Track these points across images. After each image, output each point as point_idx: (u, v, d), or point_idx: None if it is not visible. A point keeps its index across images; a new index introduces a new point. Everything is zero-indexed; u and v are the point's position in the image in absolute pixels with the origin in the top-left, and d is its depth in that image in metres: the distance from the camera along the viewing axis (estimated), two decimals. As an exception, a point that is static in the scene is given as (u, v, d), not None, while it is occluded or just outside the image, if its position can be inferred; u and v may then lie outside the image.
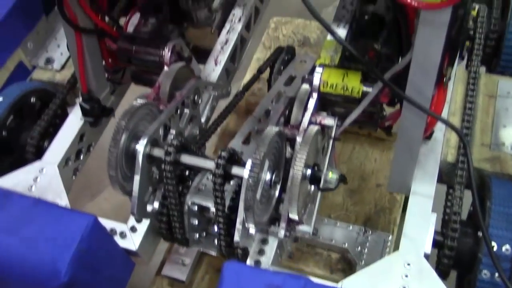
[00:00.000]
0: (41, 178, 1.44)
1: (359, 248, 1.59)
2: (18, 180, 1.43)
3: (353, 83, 1.27)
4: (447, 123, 1.12)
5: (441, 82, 1.18)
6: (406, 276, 1.16)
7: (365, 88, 1.25)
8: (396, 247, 1.59)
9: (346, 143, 1.90)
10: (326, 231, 1.65)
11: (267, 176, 1.16)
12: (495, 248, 1.17)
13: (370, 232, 1.62)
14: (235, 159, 1.20)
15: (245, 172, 1.11)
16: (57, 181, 1.44)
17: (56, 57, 1.85)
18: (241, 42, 1.75)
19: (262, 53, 2.18)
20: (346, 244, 1.61)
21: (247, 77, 2.05)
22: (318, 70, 1.30)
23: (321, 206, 1.30)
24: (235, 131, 2.01)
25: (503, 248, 1.20)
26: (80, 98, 1.52)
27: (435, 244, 1.27)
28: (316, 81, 1.29)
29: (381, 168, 1.84)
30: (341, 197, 1.77)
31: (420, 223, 1.26)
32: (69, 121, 1.57)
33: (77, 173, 1.59)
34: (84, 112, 1.53)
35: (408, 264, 1.18)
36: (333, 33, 1.04)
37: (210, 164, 1.20)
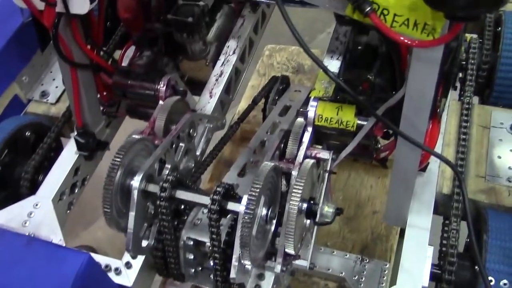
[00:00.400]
0: (35, 213, 1.43)
1: (357, 277, 1.58)
2: (13, 215, 1.42)
3: (347, 117, 1.27)
4: (441, 158, 1.12)
5: (435, 115, 1.19)
6: (405, 311, 1.15)
7: (359, 122, 1.26)
8: (394, 275, 1.60)
9: (341, 170, 1.90)
10: (322, 260, 1.64)
11: (263, 211, 1.15)
12: (492, 283, 1.16)
13: (367, 260, 1.61)
14: (231, 194, 1.20)
15: (240, 208, 1.10)
16: (51, 216, 1.43)
17: (51, 90, 1.85)
18: (236, 74, 1.76)
19: (257, 80, 2.19)
20: (343, 273, 1.60)
21: (242, 104, 2.06)
22: (313, 104, 1.30)
23: (317, 234, 1.29)
24: (230, 159, 2.02)
25: (501, 283, 1.19)
26: (75, 132, 1.52)
27: (433, 277, 1.27)
28: (311, 114, 1.30)
29: (377, 194, 1.84)
30: (338, 224, 1.76)
31: (417, 257, 1.26)
32: (64, 155, 1.57)
33: (71, 207, 1.58)
34: (79, 146, 1.52)
35: (406, 299, 1.17)
36: (326, 70, 1.04)
37: (205, 200, 1.19)
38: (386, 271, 1.59)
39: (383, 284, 1.55)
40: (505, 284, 1.19)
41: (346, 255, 1.63)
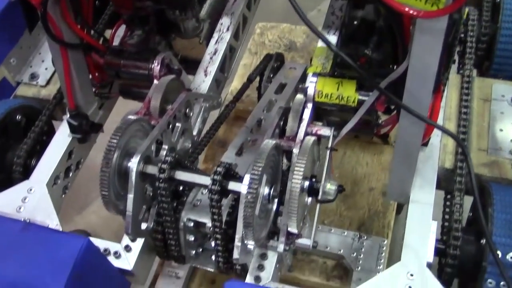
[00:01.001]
0: (30, 198, 1.39)
1: (355, 254, 1.57)
2: (6, 200, 1.39)
3: (348, 92, 1.25)
4: (446, 131, 1.10)
5: (438, 88, 1.16)
6: (410, 287, 1.14)
7: (360, 97, 1.23)
8: (391, 252, 1.60)
9: (337, 147, 1.88)
10: (320, 238, 1.62)
11: (265, 190, 1.13)
12: (499, 256, 1.15)
13: (365, 237, 1.60)
14: (231, 173, 1.18)
15: (242, 187, 1.08)
16: (46, 201, 1.39)
17: (41, 72, 1.80)
18: (230, 51, 1.72)
19: (249, 59, 2.15)
20: (342, 251, 1.59)
21: (235, 83, 2.02)
22: (312, 79, 1.27)
23: (320, 212, 1.27)
24: (224, 139, 1.99)
25: (508, 256, 1.18)
26: (68, 115, 1.48)
27: (437, 252, 1.26)
28: (310, 91, 1.27)
29: (373, 171, 1.83)
30: (334, 202, 1.73)
31: (421, 232, 1.24)
32: (57, 138, 1.53)
33: (66, 192, 1.55)
34: (72, 129, 1.49)
35: (411, 275, 1.16)
36: (328, 43, 1.02)
37: (205, 180, 1.17)
38: (384, 247, 1.58)
39: (382, 261, 1.55)
40: (511, 257, 1.18)
41: (344, 232, 1.62)
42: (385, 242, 1.60)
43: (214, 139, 1.97)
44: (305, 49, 2.17)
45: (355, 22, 1.33)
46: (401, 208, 1.81)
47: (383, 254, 1.56)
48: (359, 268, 1.52)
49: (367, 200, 1.75)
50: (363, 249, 1.58)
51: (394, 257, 1.55)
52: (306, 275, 1.56)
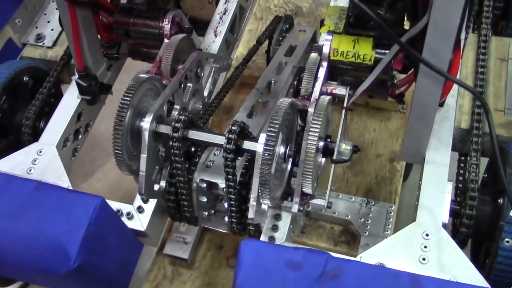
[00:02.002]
0: (40, 160, 1.37)
1: (362, 219, 1.58)
2: (16, 162, 1.37)
3: (364, 50, 1.22)
4: (467, 87, 1.07)
5: (458, 45, 1.13)
6: (425, 247, 1.14)
7: (377, 55, 1.21)
8: (398, 217, 1.59)
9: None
10: (328, 203, 1.63)
11: (281, 149, 1.12)
12: (516, 215, 1.14)
13: (373, 202, 1.60)
14: (246, 133, 1.16)
15: (258, 146, 1.06)
16: (57, 162, 1.38)
17: (47, 33, 1.77)
18: (240, 11, 1.68)
19: (254, 25, 2.12)
20: (349, 216, 1.59)
21: (240, 49, 1.99)
22: (328, 37, 1.24)
23: (321, 178, 1.26)
24: (230, 105, 1.97)
25: (525, 215, 1.18)
26: (76, 76, 1.45)
27: (452, 213, 1.25)
28: (326, 49, 1.24)
29: (380, 138, 1.82)
30: (341, 168, 1.74)
31: (437, 193, 1.23)
32: (65, 100, 1.50)
33: (75, 154, 1.53)
34: (81, 90, 1.46)
35: (427, 235, 1.15)
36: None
37: (220, 139, 1.15)
38: (392, 213, 1.59)
39: (389, 226, 1.55)
40: (529, 216, 1.17)
41: (352, 198, 1.62)
42: (393, 208, 1.60)
43: (220, 105, 1.95)
44: (311, 14, 2.13)
45: (369, -19, 1.29)
46: (408, 175, 1.80)
47: (391, 220, 1.57)
48: (367, 233, 1.53)
49: (374, 166, 1.74)
50: (370, 215, 1.58)
51: (401, 223, 1.55)
52: (313, 240, 1.57)
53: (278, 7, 2.19)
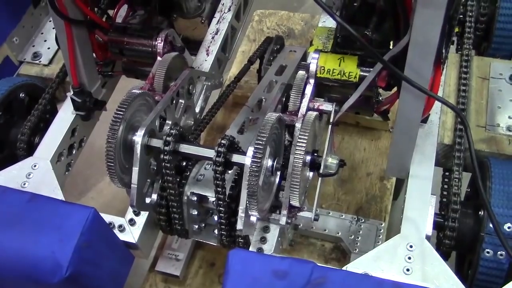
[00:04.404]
0: (34, 174, 1.41)
1: (352, 236, 1.60)
2: (11, 176, 1.40)
3: (350, 68, 1.27)
4: (446, 103, 1.12)
5: (438, 63, 1.18)
6: (409, 258, 1.17)
7: (362, 73, 1.25)
8: (388, 235, 1.62)
9: (335, 134, 1.88)
10: (319, 221, 1.63)
11: (268, 162, 1.15)
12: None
13: (363, 220, 1.62)
14: (235, 147, 1.19)
15: (247, 159, 1.10)
16: (51, 176, 1.41)
17: (44, 51, 1.82)
18: (232, 31, 1.73)
19: (247, 46, 2.17)
20: (340, 233, 1.61)
21: (233, 70, 2.04)
22: (314, 55, 1.29)
23: (318, 201, 1.29)
24: (223, 124, 2.01)
25: (505, 226, 1.21)
26: (71, 92, 1.49)
27: (436, 226, 1.28)
28: (313, 66, 1.28)
29: (371, 157, 1.85)
30: (332, 187, 1.77)
31: (420, 206, 1.26)
32: (60, 116, 1.54)
33: (69, 169, 1.56)
34: (76, 106, 1.50)
35: (411, 246, 1.18)
36: (334, 17, 1.03)
37: (210, 153, 1.18)
38: (382, 230, 1.61)
39: (379, 243, 1.57)
40: (509, 227, 1.21)
41: (342, 215, 1.65)
42: (382, 225, 1.62)
43: (213, 124, 1.99)
44: (303, 36, 2.19)
45: (355, 4, 1.34)
46: (398, 193, 1.84)
47: (381, 237, 1.59)
48: (357, 250, 1.55)
49: (365, 185, 1.77)
50: (360, 232, 1.60)
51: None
52: (304, 257, 1.59)
53: (271, 29, 2.25)
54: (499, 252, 1.21)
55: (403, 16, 1.16)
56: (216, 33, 1.67)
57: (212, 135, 1.92)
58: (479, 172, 1.10)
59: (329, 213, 1.66)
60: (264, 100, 1.59)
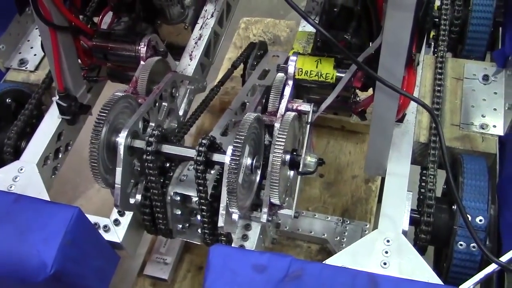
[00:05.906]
0: (20, 177, 1.43)
1: (338, 237, 1.63)
2: (-3, 179, 1.42)
3: (327, 69, 1.31)
4: (418, 101, 1.16)
5: (410, 64, 1.23)
6: (386, 252, 1.20)
7: (338, 74, 1.29)
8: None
9: (321, 138, 1.95)
10: (305, 223, 1.68)
11: (248, 161, 1.19)
12: (469, 219, 1.21)
13: (348, 222, 1.66)
14: (216, 146, 1.23)
15: (226, 158, 1.13)
16: (37, 180, 1.43)
17: (30, 58, 1.85)
18: (215, 37, 1.77)
19: (234, 53, 2.21)
20: (326, 235, 1.65)
21: (219, 77, 2.07)
22: (293, 58, 1.33)
23: (298, 199, 1.33)
24: (211, 129, 2.01)
25: (477, 219, 1.25)
26: (57, 97, 1.52)
27: (412, 221, 1.32)
28: (291, 68, 1.32)
29: (356, 160, 1.89)
30: (318, 190, 1.81)
31: (397, 202, 1.30)
32: (46, 120, 1.57)
33: (56, 173, 1.59)
34: (61, 110, 1.53)
35: (388, 241, 1.22)
36: (308, 21, 1.07)
37: (191, 153, 1.22)
38: (367, 231, 1.65)
39: (364, 244, 1.60)
40: (480, 220, 1.25)
41: (328, 217, 1.68)
42: (367, 226, 1.66)
43: (200, 130, 2.02)
44: (288, 42, 2.23)
45: (335, 9, 1.39)
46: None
47: (366, 238, 1.62)
48: (343, 251, 1.58)
49: (350, 188, 1.81)
50: (346, 233, 1.64)
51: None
52: (290, 258, 1.61)
53: (257, 36, 2.29)
54: (471, 245, 1.25)
55: (375, 18, 1.21)
56: (199, 39, 1.70)
57: (199, 140, 1.94)
58: (451, 168, 1.14)
59: (315, 215, 1.69)
60: (247, 103, 1.63)
